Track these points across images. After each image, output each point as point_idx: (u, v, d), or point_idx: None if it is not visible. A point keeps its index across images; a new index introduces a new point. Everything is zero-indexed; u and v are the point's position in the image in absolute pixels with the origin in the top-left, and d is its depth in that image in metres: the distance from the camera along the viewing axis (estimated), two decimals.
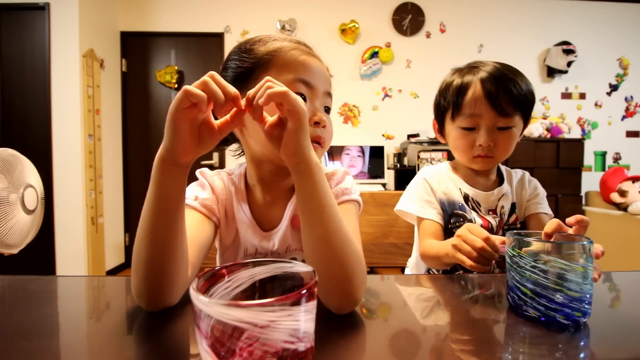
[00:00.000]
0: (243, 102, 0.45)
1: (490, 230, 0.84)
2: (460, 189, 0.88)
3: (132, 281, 0.46)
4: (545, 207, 0.88)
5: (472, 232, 0.64)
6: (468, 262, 0.63)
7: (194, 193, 0.63)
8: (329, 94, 0.63)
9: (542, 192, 0.91)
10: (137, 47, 3.52)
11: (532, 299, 0.43)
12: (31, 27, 2.88)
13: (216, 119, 0.46)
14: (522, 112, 0.81)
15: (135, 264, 0.46)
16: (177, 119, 0.41)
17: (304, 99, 0.58)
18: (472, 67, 0.84)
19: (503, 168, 0.94)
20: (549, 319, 0.42)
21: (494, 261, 0.64)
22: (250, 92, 0.44)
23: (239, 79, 0.60)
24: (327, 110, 0.63)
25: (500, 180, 0.91)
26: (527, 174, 0.94)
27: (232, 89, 0.42)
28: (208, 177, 0.67)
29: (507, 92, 0.77)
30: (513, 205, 0.89)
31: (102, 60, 3.18)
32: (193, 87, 0.40)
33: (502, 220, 0.87)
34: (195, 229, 0.58)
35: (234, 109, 0.45)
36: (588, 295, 0.42)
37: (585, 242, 0.43)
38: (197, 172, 0.68)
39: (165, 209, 0.45)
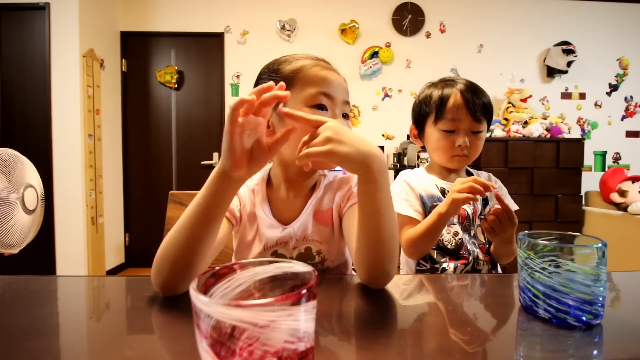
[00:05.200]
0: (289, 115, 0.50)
1: (467, 217, 0.98)
2: (436, 185, 1.00)
3: (155, 266, 0.51)
4: (511, 202, 0.97)
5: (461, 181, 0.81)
6: (464, 195, 0.78)
7: None
8: (347, 102, 0.70)
9: (505, 189, 1.04)
10: (137, 47, 3.52)
11: (542, 301, 0.43)
12: (31, 27, 2.88)
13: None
14: (488, 120, 0.96)
15: (164, 251, 0.51)
16: (231, 132, 0.45)
17: (325, 109, 0.66)
18: (447, 81, 0.98)
19: (471, 169, 1.08)
20: (560, 320, 0.42)
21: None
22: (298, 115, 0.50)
23: None
24: (346, 116, 0.71)
25: None
26: (491, 174, 1.07)
27: (264, 85, 0.46)
28: None
29: (480, 101, 0.93)
30: (485, 200, 1.02)
31: (102, 60, 3.18)
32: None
33: (476, 209, 0.99)
34: None
35: (287, 129, 0.49)
36: (600, 298, 0.42)
37: (597, 245, 0.42)
38: None
39: (210, 214, 0.51)
